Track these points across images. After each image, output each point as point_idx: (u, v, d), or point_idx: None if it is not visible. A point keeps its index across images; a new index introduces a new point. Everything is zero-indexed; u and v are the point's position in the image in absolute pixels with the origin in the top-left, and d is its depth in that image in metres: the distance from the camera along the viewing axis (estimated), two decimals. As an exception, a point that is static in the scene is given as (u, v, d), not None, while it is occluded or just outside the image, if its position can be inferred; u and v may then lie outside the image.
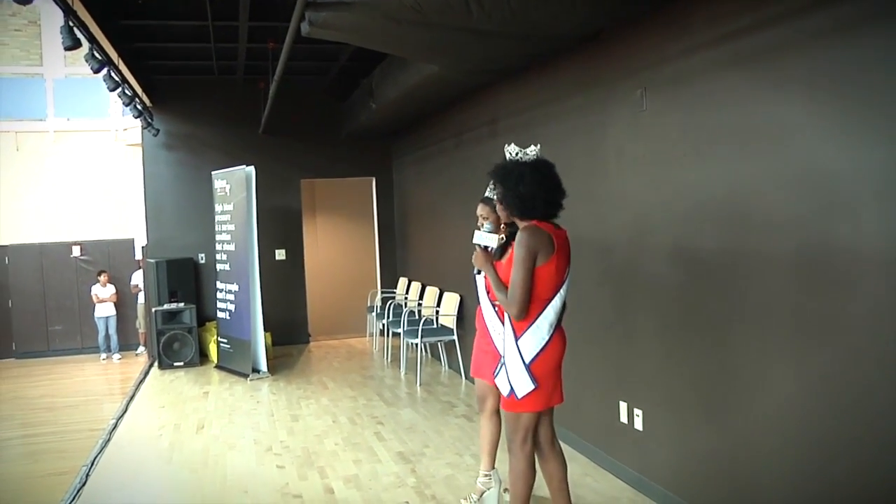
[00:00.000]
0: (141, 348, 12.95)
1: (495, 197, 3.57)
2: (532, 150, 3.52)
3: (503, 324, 3.51)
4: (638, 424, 4.54)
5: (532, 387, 3.37)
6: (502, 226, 3.79)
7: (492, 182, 3.61)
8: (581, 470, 4.96)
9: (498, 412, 4.15)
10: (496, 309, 3.90)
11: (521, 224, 3.44)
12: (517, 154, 3.51)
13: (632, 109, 4.46)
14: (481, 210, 4.11)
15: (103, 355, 12.79)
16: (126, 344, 13.10)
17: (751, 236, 3.53)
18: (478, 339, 4.26)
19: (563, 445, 5.37)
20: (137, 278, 12.42)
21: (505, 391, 3.46)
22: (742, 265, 3.59)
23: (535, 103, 5.80)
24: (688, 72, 3.95)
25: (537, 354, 3.37)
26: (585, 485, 4.70)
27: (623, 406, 4.69)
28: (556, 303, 3.39)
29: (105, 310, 12.71)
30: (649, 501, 4.38)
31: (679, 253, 4.10)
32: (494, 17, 4.10)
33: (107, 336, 12.79)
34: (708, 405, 3.89)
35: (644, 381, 4.48)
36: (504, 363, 3.48)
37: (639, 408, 4.53)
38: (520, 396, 3.39)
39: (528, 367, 3.36)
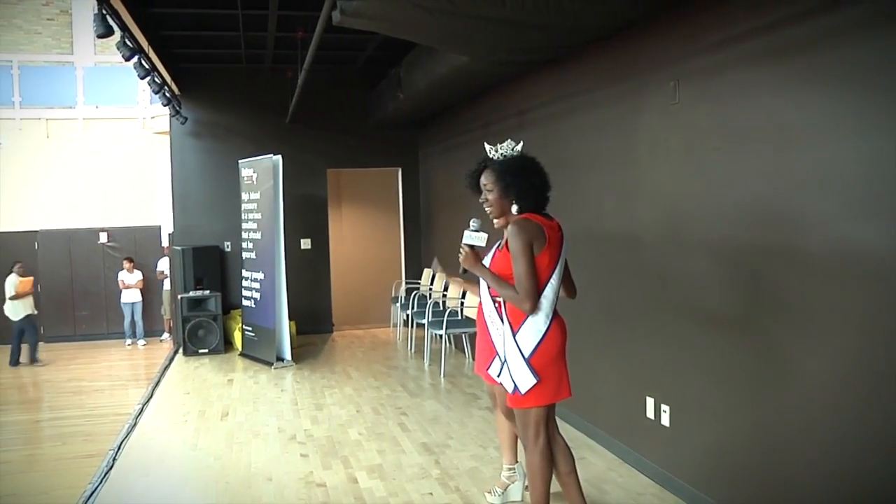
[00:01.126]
0: (166, 335, 13.08)
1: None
2: (517, 146, 3.54)
3: (503, 320, 3.49)
4: (665, 420, 4.50)
5: (534, 381, 3.36)
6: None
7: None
8: (606, 465, 4.93)
9: (505, 407, 4.11)
10: (496, 305, 3.83)
11: (508, 218, 3.42)
12: (506, 151, 3.53)
13: (664, 101, 4.40)
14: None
15: (128, 341, 12.93)
16: (151, 330, 13.23)
17: (784, 231, 3.47)
18: (478, 336, 4.19)
19: (588, 441, 5.40)
20: (163, 265, 12.54)
21: (510, 388, 3.46)
22: (775, 260, 3.54)
23: (564, 94, 5.75)
24: (722, 64, 3.89)
25: (536, 347, 3.36)
26: (610, 480, 4.67)
27: (650, 402, 4.65)
28: (548, 293, 3.37)
29: (131, 296, 12.84)
30: (675, 498, 4.34)
31: (710, 247, 4.04)
32: (527, 6, 4.06)
33: (132, 322, 12.93)
34: (738, 401, 3.84)
35: (672, 376, 4.44)
36: (505, 360, 3.47)
37: (666, 403, 4.49)
38: (523, 392, 3.39)
39: (528, 361, 3.36)
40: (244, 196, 9.21)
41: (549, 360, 3.39)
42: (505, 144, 3.52)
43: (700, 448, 4.18)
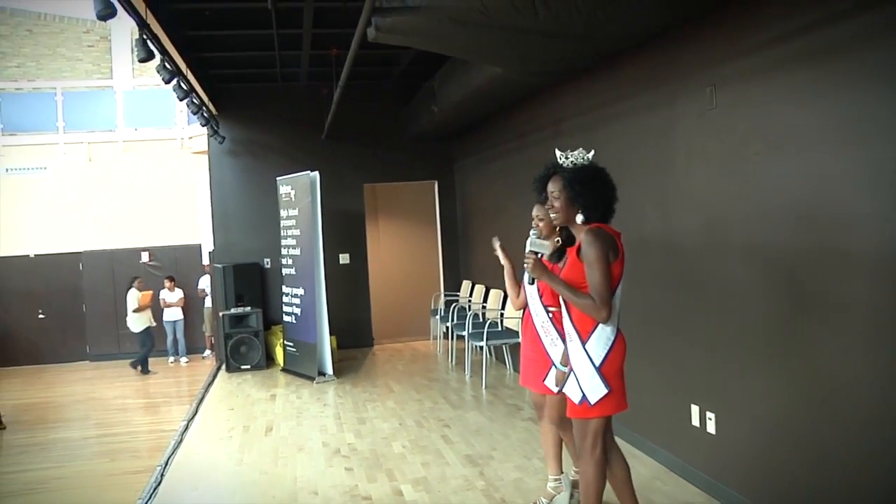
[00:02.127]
0: (207, 352, 13.23)
1: (555, 198, 3.44)
2: (588, 155, 3.48)
3: (558, 330, 3.50)
4: (711, 428, 4.44)
5: (605, 391, 3.32)
6: (556, 230, 3.63)
7: (546, 181, 3.50)
8: (650, 473, 4.88)
9: (557, 418, 4.09)
10: (550, 315, 3.81)
11: (578, 227, 3.39)
12: (577, 158, 3.46)
13: (701, 107, 4.37)
14: (537, 211, 4.03)
15: (171, 358, 13.11)
16: (192, 347, 13.40)
17: (827, 235, 3.43)
18: (525, 348, 4.15)
19: (633, 449, 5.35)
20: (204, 283, 12.70)
21: (577, 398, 3.41)
22: (819, 264, 3.49)
23: (599, 103, 5.74)
24: (759, 67, 3.86)
25: (606, 355, 3.33)
26: (655, 489, 4.62)
27: (695, 409, 4.60)
28: (616, 303, 3.33)
29: (173, 314, 13.03)
30: (723, 507, 4.30)
31: (752, 252, 4.00)
32: (561, 17, 4.07)
33: (174, 340, 13.11)
34: (785, 408, 3.78)
35: (717, 384, 4.39)
36: (573, 370, 3.43)
37: (711, 411, 4.44)
38: (593, 402, 3.35)
39: (599, 370, 3.32)
40: (283, 213, 9.32)
41: (617, 370, 3.37)
42: (577, 152, 3.45)
43: (748, 455, 4.12)
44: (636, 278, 5.31)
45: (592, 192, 3.39)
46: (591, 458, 3.43)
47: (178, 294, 13.13)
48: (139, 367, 12.26)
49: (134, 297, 12.34)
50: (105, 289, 13.72)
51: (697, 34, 4.39)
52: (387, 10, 4.15)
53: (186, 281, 13.43)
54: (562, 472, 4.35)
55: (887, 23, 3.05)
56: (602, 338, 3.34)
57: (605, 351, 3.33)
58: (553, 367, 3.77)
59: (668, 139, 4.78)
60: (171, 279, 13.18)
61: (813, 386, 3.57)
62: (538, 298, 3.89)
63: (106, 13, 4.47)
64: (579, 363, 3.38)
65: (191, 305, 13.32)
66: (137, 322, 12.38)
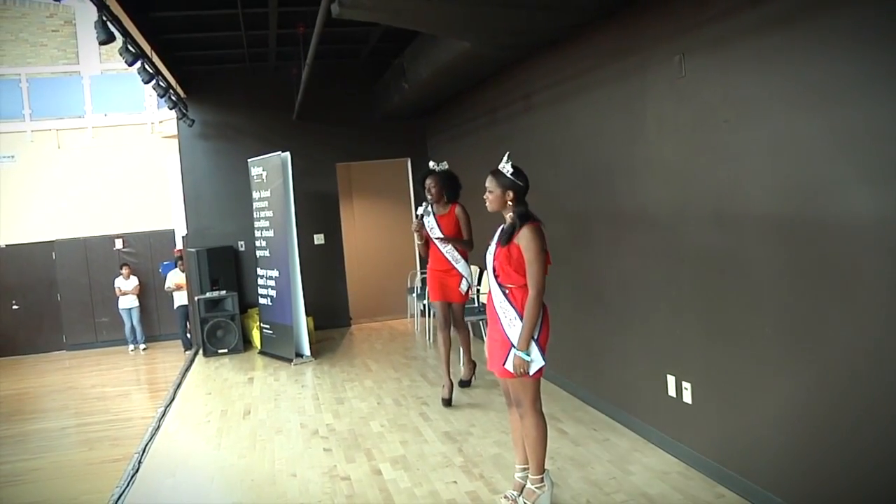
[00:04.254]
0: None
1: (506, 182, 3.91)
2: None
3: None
4: (687, 398, 4.47)
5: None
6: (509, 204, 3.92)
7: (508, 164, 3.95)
8: (629, 445, 4.91)
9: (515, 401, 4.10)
10: (506, 292, 3.84)
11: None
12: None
13: (671, 76, 4.35)
14: (488, 183, 4.04)
15: (131, 346, 13.01)
16: (150, 335, 13.33)
17: (798, 201, 3.42)
18: (490, 329, 4.12)
19: (610, 421, 5.38)
20: (175, 277, 12.37)
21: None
22: (790, 231, 3.49)
23: (569, 75, 5.70)
24: (728, 34, 3.83)
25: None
26: (634, 460, 4.65)
27: (671, 379, 4.62)
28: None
29: (128, 301, 12.94)
30: (700, 475, 4.31)
31: (723, 221, 4.00)
32: (526, -13, 4.02)
33: (132, 327, 13.02)
34: (759, 375, 3.80)
35: (692, 353, 4.40)
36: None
37: (687, 381, 4.46)
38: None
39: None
40: (255, 195, 9.23)
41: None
42: (443, 163, 6.08)
43: (724, 424, 4.14)
44: (609, 249, 5.33)
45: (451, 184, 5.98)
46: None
47: (134, 282, 13.05)
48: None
49: (173, 279, 12.20)
50: (80, 277, 13.58)
51: (666, 2, 4.36)
52: (349, -16, 4.08)
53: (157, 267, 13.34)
54: (546, 470, 4.14)
55: (851, -15, 3.03)
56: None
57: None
58: (512, 349, 3.78)
59: (639, 109, 4.75)
60: (127, 266, 13.07)
61: (788, 352, 3.59)
62: (494, 278, 3.89)
63: (61, -6, 4.35)
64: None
65: (145, 292, 13.20)
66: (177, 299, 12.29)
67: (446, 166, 6.23)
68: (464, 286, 6.26)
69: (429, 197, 6.22)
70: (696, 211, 4.23)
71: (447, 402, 6.18)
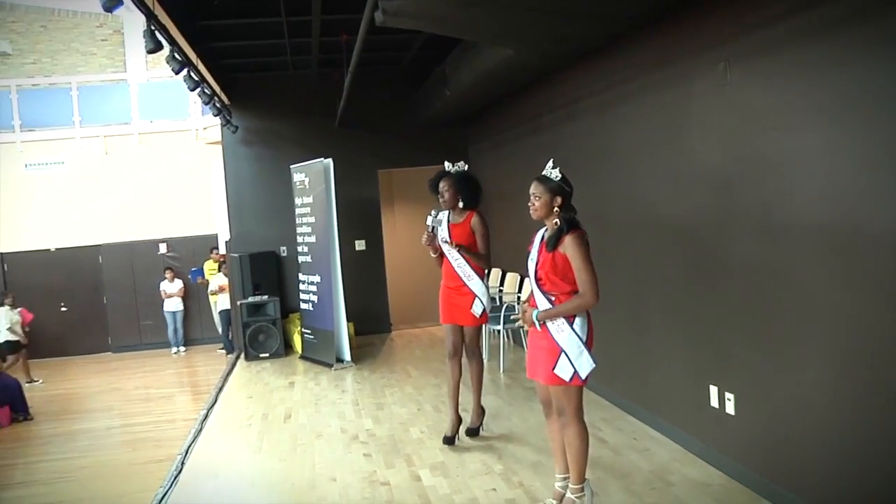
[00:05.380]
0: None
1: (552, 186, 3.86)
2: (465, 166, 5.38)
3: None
4: (730, 409, 4.40)
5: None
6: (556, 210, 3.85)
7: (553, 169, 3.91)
8: (670, 455, 4.85)
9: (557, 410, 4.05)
10: (552, 300, 3.83)
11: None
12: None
13: (715, 84, 4.30)
14: (534, 189, 3.95)
15: (174, 349, 13.18)
16: (192, 339, 13.49)
17: (847, 210, 3.36)
18: (533, 336, 4.08)
19: (650, 430, 5.32)
20: (219, 280, 12.46)
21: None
22: (838, 240, 3.43)
23: (612, 83, 5.68)
24: (774, 41, 3.79)
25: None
26: (675, 470, 4.60)
27: (714, 390, 4.55)
28: None
29: (173, 304, 13.10)
30: (743, 488, 4.25)
31: (769, 230, 3.94)
32: (569, -5, 4.02)
33: (175, 330, 13.18)
34: (805, 387, 3.74)
35: (735, 364, 4.34)
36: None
37: (730, 392, 4.40)
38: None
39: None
40: (297, 201, 9.32)
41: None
42: (460, 163, 5.33)
43: (768, 436, 4.08)
44: (652, 259, 5.28)
45: (469, 189, 5.23)
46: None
47: (178, 284, 13.21)
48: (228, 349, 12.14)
49: (217, 282, 12.36)
50: (125, 280, 13.83)
51: (709, 9, 4.32)
52: (393, -7, 4.12)
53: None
54: (586, 479, 4.04)
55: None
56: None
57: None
58: (561, 353, 3.79)
59: (683, 117, 4.71)
60: (171, 269, 13.25)
61: (835, 364, 3.52)
62: (538, 286, 3.88)
63: (112, 4, 4.47)
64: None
65: (190, 296, 13.37)
66: (220, 303, 12.37)
67: (464, 167, 5.42)
68: (477, 308, 5.35)
69: (441, 202, 5.38)
70: (741, 220, 4.18)
71: (449, 441, 5.44)
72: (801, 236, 3.69)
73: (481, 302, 5.33)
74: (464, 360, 5.61)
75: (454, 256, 5.30)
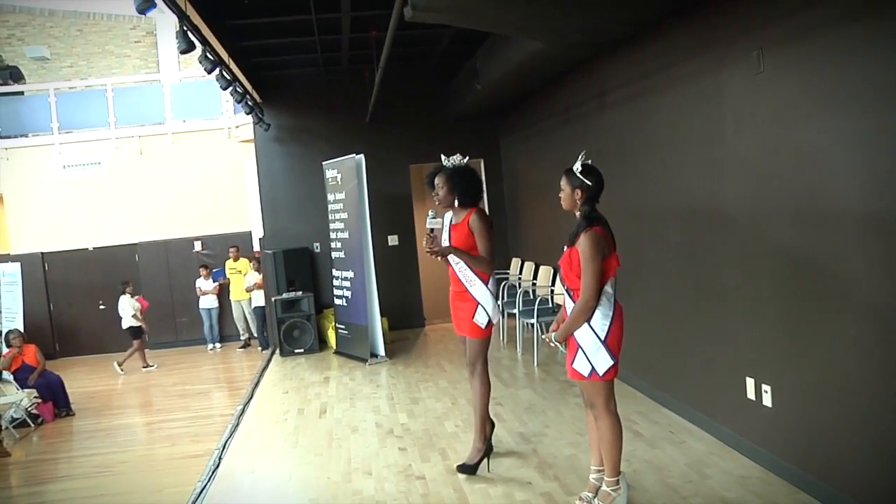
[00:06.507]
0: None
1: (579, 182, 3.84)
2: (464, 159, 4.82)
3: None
4: (767, 401, 4.35)
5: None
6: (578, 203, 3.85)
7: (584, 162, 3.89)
8: (707, 448, 4.81)
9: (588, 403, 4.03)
10: (572, 294, 3.83)
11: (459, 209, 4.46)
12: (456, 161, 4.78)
13: (748, 72, 4.25)
14: (561, 181, 3.96)
15: (210, 346, 13.33)
16: (227, 335, 13.62)
17: (886, 197, 3.30)
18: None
19: (686, 423, 5.28)
20: (254, 277, 12.52)
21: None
22: (877, 228, 3.37)
23: (643, 73, 5.63)
24: (808, 28, 3.73)
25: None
26: (712, 464, 4.56)
27: (750, 382, 4.50)
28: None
29: (208, 301, 13.25)
30: (780, 480, 4.20)
31: (805, 219, 3.89)
32: (599, -15, 3.99)
33: (210, 326, 13.33)
34: (844, 378, 3.68)
35: (772, 356, 4.29)
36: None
37: (767, 384, 4.34)
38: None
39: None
40: (330, 197, 9.38)
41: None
42: (455, 156, 4.82)
43: (806, 429, 4.02)
44: (686, 249, 5.23)
45: (465, 184, 4.70)
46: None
47: (213, 282, 13.35)
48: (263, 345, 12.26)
49: (252, 280, 12.46)
50: (161, 278, 13.99)
51: (742, -4, 4.26)
52: (422, -12, 4.12)
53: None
54: (622, 472, 4.00)
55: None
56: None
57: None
58: (579, 349, 3.79)
59: (716, 106, 4.66)
60: (206, 267, 13.39)
61: (874, 355, 3.46)
62: (561, 282, 3.89)
63: (145, 6, 4.53)
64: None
65: (225, 293, 13.51)
66: (255, 299, 12.47)
67: (461, 160, 4.80)
68: (481, 318, 4.73)
69: (436, 201, 4.83)
70: (777, 209, 4.12)
71: (468, 469, 4.73)
72: (839, 225, 3.63)
73: (485, 311, 4.73)
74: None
75: (454, 260, 4.76)
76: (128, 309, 12.12)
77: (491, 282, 4.79)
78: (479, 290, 4.75)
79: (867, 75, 3.37)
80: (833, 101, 3.60)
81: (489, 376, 4.85)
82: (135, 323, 12.14)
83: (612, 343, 3.78)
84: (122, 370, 11.94)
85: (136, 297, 12.40)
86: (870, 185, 3.41)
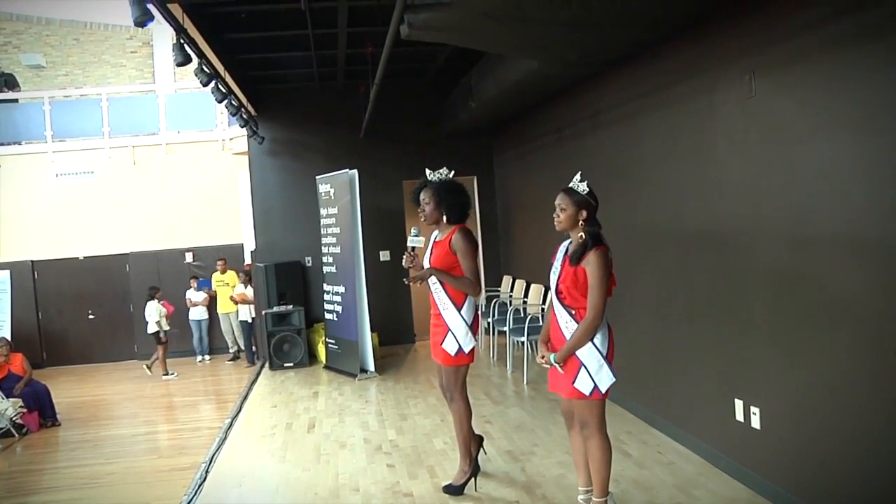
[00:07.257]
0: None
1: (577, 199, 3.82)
2: (450, 173, 4.74)
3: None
4: (755, 423, 4.36)
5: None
6: (581, 223, 3.80)
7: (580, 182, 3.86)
8: (695, 470, 4.81)
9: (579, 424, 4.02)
10: (573, 314, 3.82)
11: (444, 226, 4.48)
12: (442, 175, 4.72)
13: (740, 95, 4.29)
14: (559, 200, 3.89)
15: (199, 357, 13.27)
16: (216, 347, 13.55)
17: (876, 219, 3.33)
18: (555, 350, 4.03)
19: (675, 444, 5.28)
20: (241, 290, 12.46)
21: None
22: (869, 250, 3.40)
23: (637, 94, 5.67)
24: (800, 52, 3.77)
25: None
26: (700, 485, 4.56)
27: (739, 404, 4.52)
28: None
29: (198, 313, 13.20)
30: (767, 502, 4.21)
31: (796, 241, 3.92)
32: (593, 7, 4.03)
33: (200, 338, 13.27)
34: (833, 401, 3.70)
35: (761, 377, 4.31)
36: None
37: (755, 406, 4.36)
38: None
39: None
40: (322, 211, 9.39)
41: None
42: (442, 170, 4.77)
43: (793, 451, 4.04)
44: (677, 269, 5.25)
45: (452, 199, 4.57)
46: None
47: (204, 293, 13.31)
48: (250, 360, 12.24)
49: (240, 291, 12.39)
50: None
51: (733, 21, 4.32)
52: (419, 6, 4.16)
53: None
54: (610, 493, 3.99)
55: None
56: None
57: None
58: (581, 367, 3.77)
59: (708, 128, 4.70)
60: (196, 278, 13.34)
61: (861, 378, 3.48)
62: (559, 300, 3.87)
63: (143, 19, 4.54)
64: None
65: (215, 305, 13.46)
66: (241, 313, 12.36)
67: (447, 174, 4.68)
68: (449, 345, 4.49)
69: (422, 217, 4.63)
70: (768, 231, 4.15)
71: (454, 490, 4.66)
72: (830, 247, 3.66)
73: (454, 339, 4.48)
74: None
75: (432, 280, 4.55)
76: (154, 315, 12.07)
77: (467, 307, 4.52)
78: (451, 315, 4.50)
79: (857, 100, 3.41)
80: (824, 124, 3.64)
81: (468, 400, 4.71)
82: (165, 327, 12.17)
83: (611, 360, 3.80)
84: (150, 372, 11.92)
85: (162, 301, 12.33)
86: (860, 207, 3.44)
